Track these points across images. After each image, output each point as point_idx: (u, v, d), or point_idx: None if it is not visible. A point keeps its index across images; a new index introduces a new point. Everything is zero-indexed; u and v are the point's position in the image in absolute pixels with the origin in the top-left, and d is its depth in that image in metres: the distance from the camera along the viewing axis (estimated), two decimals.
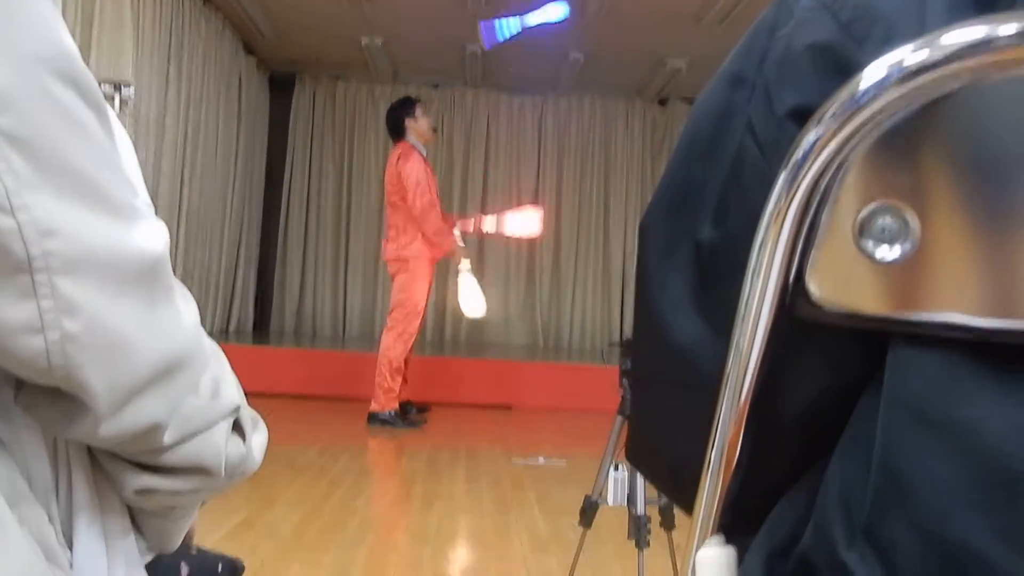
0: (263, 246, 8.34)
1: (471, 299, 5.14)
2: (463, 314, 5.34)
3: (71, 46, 0.49)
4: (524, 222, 5.45)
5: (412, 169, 4.83)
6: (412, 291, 4.94)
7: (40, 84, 0.47)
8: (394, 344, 4.93)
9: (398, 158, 4.92)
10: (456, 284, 5.21)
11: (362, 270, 8.43)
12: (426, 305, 5.12)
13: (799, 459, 0.47)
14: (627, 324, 8.28)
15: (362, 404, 5.07)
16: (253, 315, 8.10)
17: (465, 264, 5.09)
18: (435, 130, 5.25)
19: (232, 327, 7.47)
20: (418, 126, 5.00)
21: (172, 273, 0.56)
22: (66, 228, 0.48)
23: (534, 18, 5.09)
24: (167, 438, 0.55)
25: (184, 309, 0.57)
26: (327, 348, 7.15)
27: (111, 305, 0.50)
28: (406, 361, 5.03)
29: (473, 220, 5.46)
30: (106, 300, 0.50)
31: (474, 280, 5.14)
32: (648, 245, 0.54)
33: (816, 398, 0.46)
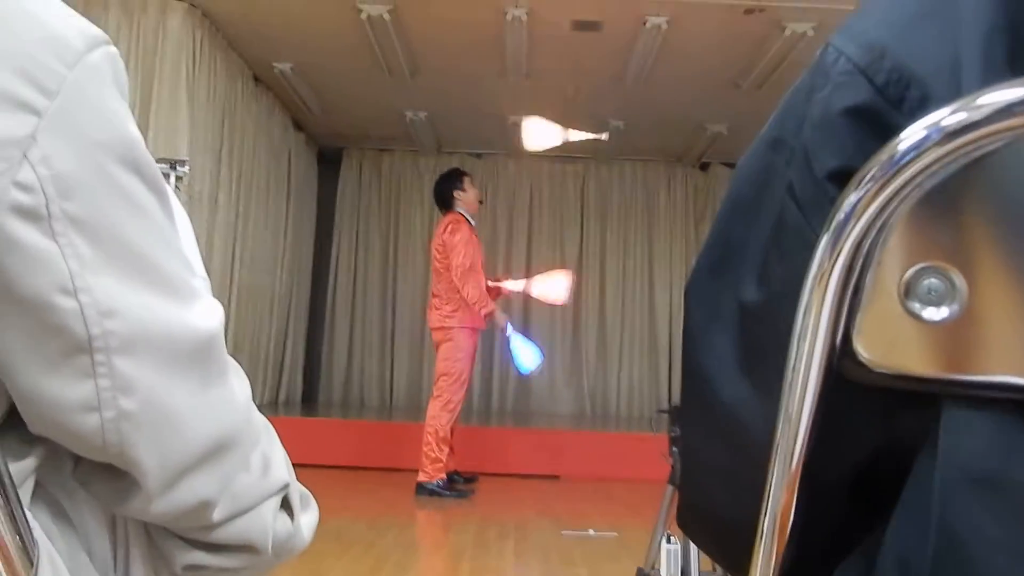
0: (311, 318, 8.46)
1: (527, 354, 5.18)
2: (519, 373, 5.40)
3: (135, 133, 0.52)
4: (552, 287, 5.46)
5: (458, 238, 4.93)
6: (457, 360, 4.96)
7: (105, 170, 0.49)
8: (440, 413, 4.93)
9: (446, 227, 5.01)
10: (506, 346, 5.25)
11: (408, 340, 8.48)
12: (471, 374, 5.14)
13: (854, 524, 0.46)
14: (675, 390, 8.17)
15: (409, 475, 5.05)
16: (302, 386, 8.18)
17: (508, 326, 5.14)
18: (481, 201, 5.37)
19: (281, 399, 7.55)
20: (466, 197, 5.12)
21: (225, 350, 0.57)
22: (125, 308, 0.49)
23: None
24: (217, 515, 0.55)
25: (237, 386, 0.57)
26: (374, 419, 7.16)
27: (166, 383, 0.51)
28: (452, 430, 5.02)
29: (503, 282, 5.48)
30: (161, 378, 0.51)
31: (518, 336, 5.19)
32: (693, 306, 0.54)
33: (869, 461, 0.45)
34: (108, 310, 0.48)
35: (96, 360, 0.48)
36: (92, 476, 0.53)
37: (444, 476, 4.95)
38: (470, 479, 5.28)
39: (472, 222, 5.10)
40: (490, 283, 5.20)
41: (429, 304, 5.19)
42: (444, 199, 5.16)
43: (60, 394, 0.48)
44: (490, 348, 7.72)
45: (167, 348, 0.51)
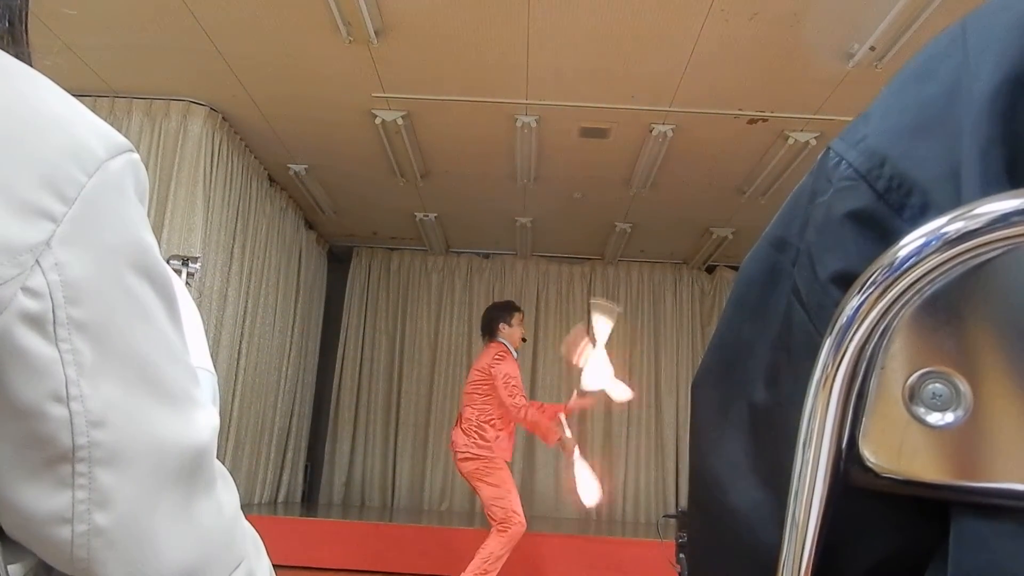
0: (315, 415, 8.39)
1: (587, 487, 5.02)
2: (583, 504, 5.17)
3: (149, 240, 0.52)
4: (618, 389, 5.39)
5: (505, 368, 4.84)
6: (505, 499, 4.81)
7: (116, 275, 0.49)
8: (499, 542, 4.77)
9: (493, 355, 4.92)
10: (573, 473, 5.06)
11: (411, 441, 8.37)
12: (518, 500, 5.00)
13: None
14: (683, 495, 7.99)
15: None
16: (302, 484, 8.04)
17: (576, 453, 4.99)
18: (524, 340, 5.26)
19: (280, 498, 7.40)
20: (511, 332, 5.04)
21: (215, 461, 0.55)
22: (117, 417, 0.48)
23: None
24: None
25: (224, 498, 0.56)
26: (375, 520, 7.01)
27: (148, 499, 0.49)
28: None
29: (576, 399, 5.29)
30: (144, 493, 0.49)
31: (586, 466, 5.02)
32: (702, 406, 0.54)
33: (880, 568, 0.44)
34: (98, 419, 0.47)
35: (77, 470, 0.47)
36: None
37: None
38: None
39: (516, 355, 5.02)
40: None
41: (456, 425, 5.01)
42: (489, 328, 5.09)
43: (35, 503, 0.47)
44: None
45: (154, 461, 0.49)
